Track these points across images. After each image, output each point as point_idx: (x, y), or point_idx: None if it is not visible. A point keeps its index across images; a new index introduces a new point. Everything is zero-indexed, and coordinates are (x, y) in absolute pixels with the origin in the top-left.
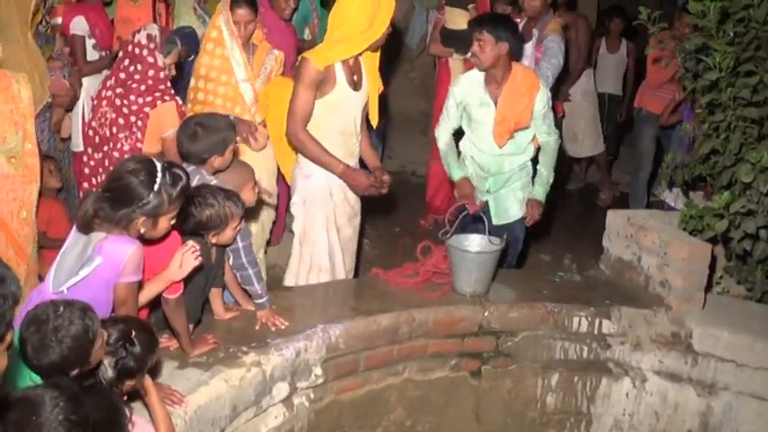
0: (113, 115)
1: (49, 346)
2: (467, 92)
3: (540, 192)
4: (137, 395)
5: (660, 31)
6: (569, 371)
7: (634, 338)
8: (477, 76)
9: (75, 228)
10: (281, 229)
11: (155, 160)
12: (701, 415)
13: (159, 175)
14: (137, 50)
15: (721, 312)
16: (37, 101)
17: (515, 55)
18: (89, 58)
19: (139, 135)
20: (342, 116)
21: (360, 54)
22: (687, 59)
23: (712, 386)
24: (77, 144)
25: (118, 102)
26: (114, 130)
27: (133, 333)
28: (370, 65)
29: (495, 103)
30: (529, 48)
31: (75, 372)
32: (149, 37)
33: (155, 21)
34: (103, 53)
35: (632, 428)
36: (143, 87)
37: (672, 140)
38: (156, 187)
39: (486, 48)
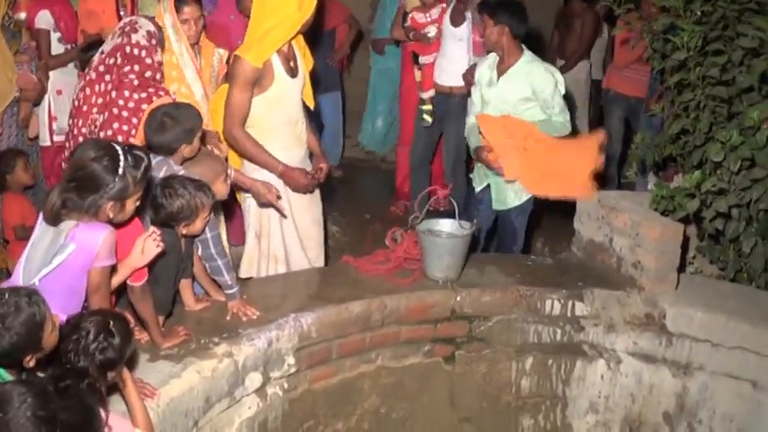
0: (107, 117)
1: None
2: (482, 73)
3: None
4: (111, 388)
5: (627, 12)
6: (543, 354)
7: (607, 320)
8: (492, 58)
9: (41, 220)
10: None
11: (114, 144)
12: (676, 396)
13: (122, 158)
14: (135, 51)
15: (695, 292)
16: (5, 95)
17: (517, 38)
18: (54, 52)
19: (134, 132)
20: (285, 107)
21: (292, 38)
22: (655, 40)
23: (687, 366)
24: (44, 138)
25: (111, 100)
26: (110, 132)
27: (111, 324)
28: (300, 44)
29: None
30: (463, 32)
31: (28, 358)
32: (150, 35)
33: (119, 12)
34: (69, 46)
35: (608, 410)
36: (137, 83)
37: (641, 121)
38: (120, 171)
39: (486, 30)
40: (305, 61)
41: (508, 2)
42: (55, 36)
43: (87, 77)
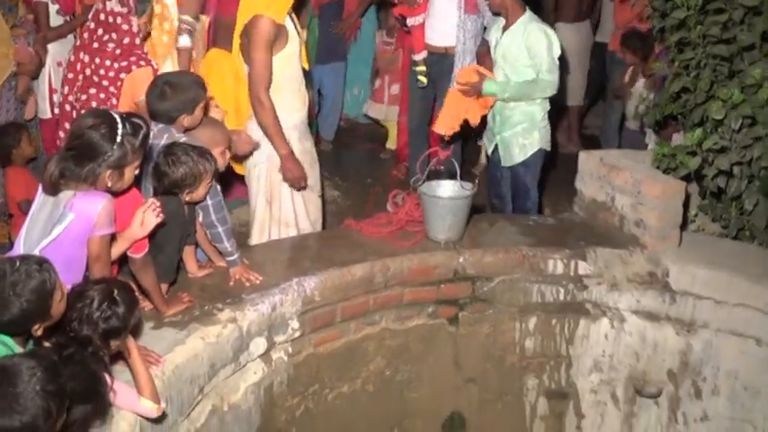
0: (86, 83)
1: (8, 300)
2: (492, 34)
3: (491, 83)
4: (115, 357)
5: None
6: (547, 314)
7: (611, 279)
8: (501, 21)
9: (40, 191)
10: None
11: (112, 112)
12: (680, 353)
13: (120, 126)
14: (110, 18)
15: (697, 250)
16: (2, 70)
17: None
18: (53, 24)
19: (114, 101)
20: (296, 66)
21: None
22: None
23: (691, 324)
24: (44, 111)
25: (93, 69)
26: (84, 97)
27: (115, 292)
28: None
29: None
30: None
31: (37, 326)
32: (122, 1)
33: None
34: (67, 18)
35: (612, 369)
36: (118, 51)
37: None
38: (118, 139)
39: None
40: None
41: None
42: (53, 8)
43: (75, 44)
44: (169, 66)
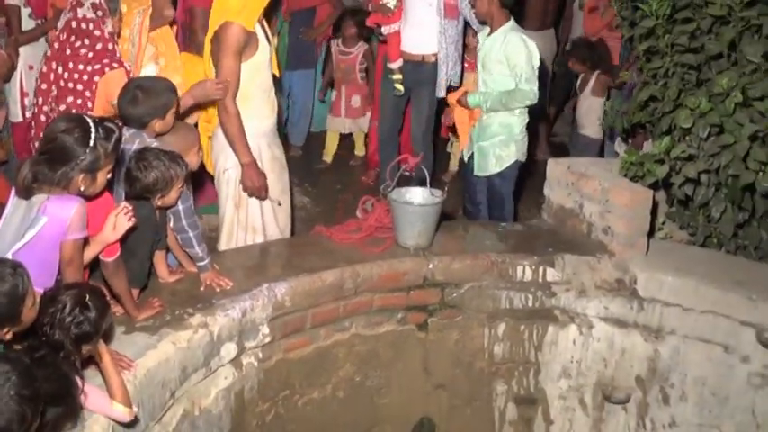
0: (60, 91)
1: None
2: (480, 40)
3: (474, 96)
4: (88, 362)
5: None
6: (515, 320)
7: (579, 285)
8: (487, 27)
9: (13, 195)
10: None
11: (85, 117)
12: (648, 360)
13: (93, 130)
14: (82, 25)
15: (665, 257)
16: None
17: (505, 7)
18: (25, 28)
19: (90, 105)
20: (265, 74)
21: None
22: (623, 8)
23: (659, 331)
24: (15, 114)
25: (67, 77)
26: (63, 106)
27: (87, 297)
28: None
29: None
30: None
31: (6, 330)
32: (94, 6)
33: None
34: (39, 21)
35: (581, 375)
36: (90, 55)
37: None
38: (91, 143)
39: (477, 1)
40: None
41: None
42: (25, 11)
43: (47, 54)
44: (151, 71)
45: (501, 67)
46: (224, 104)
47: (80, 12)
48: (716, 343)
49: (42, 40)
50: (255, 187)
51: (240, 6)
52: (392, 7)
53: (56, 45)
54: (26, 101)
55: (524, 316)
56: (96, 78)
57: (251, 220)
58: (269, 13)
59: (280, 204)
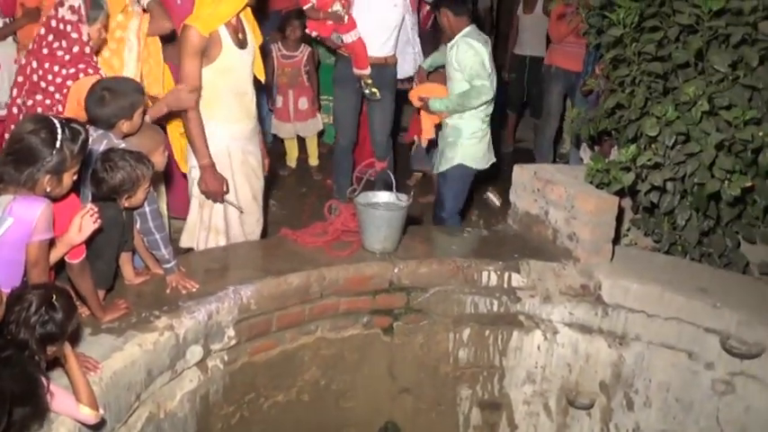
0: (31, 89)
1: None
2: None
3: (435, 101)
4: (53, 364)
5: None
6: (480, 325)
7: (544, 291)
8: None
9: None
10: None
11: (52, 118)
12: (612, 365)
13: (59, 131)
14: (61, 26)
15: (630, 264)
16: None
17: (459, 16)
18: None
19: (60, 107)
20: (233, 77)
21: (241, 11)
22: (591, 15)
23: (623, 337)
24: None
25: (40, 75)
26: (30, 102)
27: (54, 298)
28: (249, 19)
29: None
30: None
31: None
32: (72, 9)
33: None
34: (7, 20)
35: (545, 380)
36: (67, 58)
37: (576, 95)
38: (57, 144)
39: (442, 18)
40: (256, 37)
41: None
42: None
43: (29, 49)
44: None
45: (458, 73)
46: None
47: (60, 12)
48: (680, 349)
49: (10, 39)
50: (210, 191)
51: (200, 13)
52: (342, 14)
53: (35, 41)
54: None
55: (489, 321)
56: (69, 83)
57: (214, 221)
58: (259, 18)
59: (242, 212)
